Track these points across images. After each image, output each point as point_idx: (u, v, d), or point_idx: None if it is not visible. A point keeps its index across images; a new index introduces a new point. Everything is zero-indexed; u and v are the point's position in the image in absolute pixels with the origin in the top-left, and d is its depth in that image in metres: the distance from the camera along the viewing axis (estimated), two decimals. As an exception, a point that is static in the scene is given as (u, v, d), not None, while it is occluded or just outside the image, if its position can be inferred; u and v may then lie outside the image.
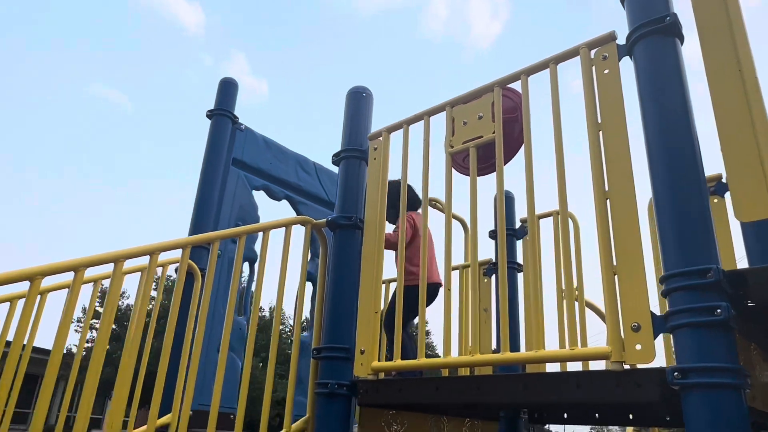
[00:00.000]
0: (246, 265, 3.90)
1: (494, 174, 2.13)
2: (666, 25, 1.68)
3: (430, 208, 2.35)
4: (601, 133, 1.78)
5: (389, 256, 2.87)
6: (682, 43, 1.71)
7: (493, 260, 3.58)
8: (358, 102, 2.78)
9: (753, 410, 1.56)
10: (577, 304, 2.59)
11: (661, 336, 1.62)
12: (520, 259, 3.58)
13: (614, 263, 1.63)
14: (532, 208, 1.93)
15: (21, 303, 2.69)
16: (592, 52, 1.89)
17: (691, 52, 1.96)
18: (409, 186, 2.86)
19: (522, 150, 2.02)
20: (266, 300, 23.57)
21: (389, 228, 3.00)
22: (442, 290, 3.27)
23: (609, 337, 1.58)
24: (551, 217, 3.19)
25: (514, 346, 3.13)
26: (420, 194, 2.50)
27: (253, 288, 3.88)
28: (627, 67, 1.82)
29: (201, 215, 3.59)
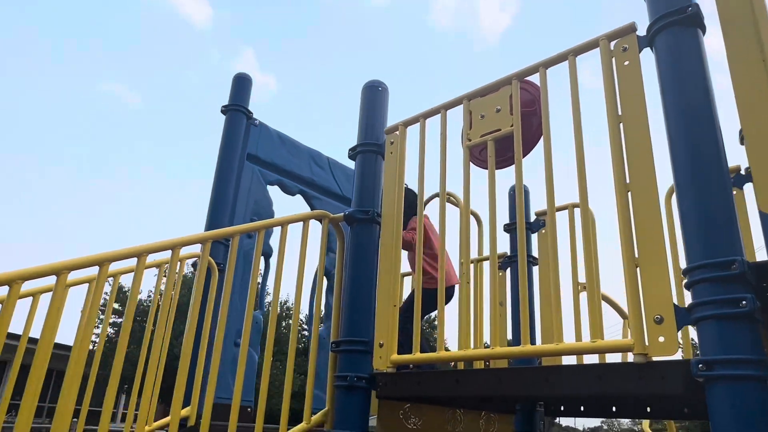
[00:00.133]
0: (261, 259, 3.92)
1: (507, 168, 2.13)
2: (688, 15, 1.66)
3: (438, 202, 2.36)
4: (621, 125, 1.78)
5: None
6: (704, 34, 1.70)
7: (508, 254, 3.58)
8: (374, 96, 2.78)
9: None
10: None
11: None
12: (534, 252, 3.57)
13: (636, 255, 1.63)
14: (552, 201, 1.93)
15: (42, 298, 2.74)
16: (612, 43, 1.88)
17: (711, 45, 1.94)
18: (411, 190, 2.86)
19: (537, 144, 2.02)
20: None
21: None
22: (454, 290, 3.28)
23: (631, 329, 1.58)
24: (566, 210, 3.18)
25: (531, 339, 3.13)
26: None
27: (268, 283, 3.91)
28: (647, 59, 1.81)
29: (217, 211, 3.62)
